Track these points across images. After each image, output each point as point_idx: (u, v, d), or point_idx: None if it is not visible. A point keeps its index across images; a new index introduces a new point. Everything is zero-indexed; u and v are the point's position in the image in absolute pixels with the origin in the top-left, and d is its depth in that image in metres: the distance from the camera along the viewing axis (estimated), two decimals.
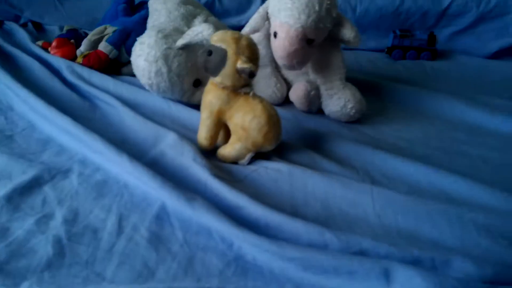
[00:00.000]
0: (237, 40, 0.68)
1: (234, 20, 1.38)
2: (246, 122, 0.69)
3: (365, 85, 1.02)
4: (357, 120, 0.90)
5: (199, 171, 0.64)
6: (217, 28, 0.83)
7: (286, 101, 0.95)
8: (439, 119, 0.94)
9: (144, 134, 0.75)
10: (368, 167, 0.73)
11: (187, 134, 0.76)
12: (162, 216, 0.59)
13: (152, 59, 0.82)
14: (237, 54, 0.67)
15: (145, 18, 1.03)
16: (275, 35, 0.83)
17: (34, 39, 1.15)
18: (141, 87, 0.89)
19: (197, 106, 0.77)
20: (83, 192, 0.63)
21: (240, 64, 0.67)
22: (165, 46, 0.82)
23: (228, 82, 0.68)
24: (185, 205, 0.57)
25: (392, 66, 1.25)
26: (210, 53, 0.69)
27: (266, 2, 0.87)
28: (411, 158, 0.75)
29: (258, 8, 0.89)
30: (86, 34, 1.11)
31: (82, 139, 0.71)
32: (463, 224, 0.60)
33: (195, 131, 0.75)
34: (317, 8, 0.78)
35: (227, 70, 0.67)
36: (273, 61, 0.93)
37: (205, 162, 0.66)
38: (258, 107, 0.69)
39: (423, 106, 0.98)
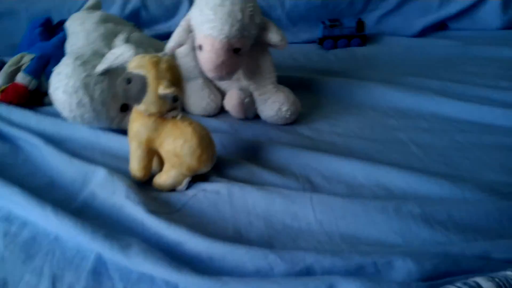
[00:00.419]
0: (156, 64, 0.65)
1: (163, 27, 1.33)
2: (178, 147, 0.66)
3: (299, 82, 1.03)
4: (294, 121, 0.91)
5: (134, 210, 0.61)
6: (140, 45, 0.79)
7: (222, 110, 0.93)
8: (371, 109, 0.96)
9: (72, 175, 0.71)
10: (307, 172, 0.74)
11: (119, 166, 0.72)
12: (99, 270, 0.54)
13: (71, 90, 0.76)
14: (158, 79, 0.64)
15: (64, 41, 0.97)
16: (200, 47, 0.81)
17: None
18: (66, 119, 0.84)
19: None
20: (10, 256, 0.57)
21: (162, 90, 0.64)
22: (84, 74, 0.77)
23: (153, 109, 0.66)
24: (120, 254, 0.54)
25: (324, 57, 1.26)
26: (129, 81, 0.65)
27: (188, 14, 0.84)
28: (347, 154, 0.77)
29: (186, 11, 0.86)
30: (4, 63, 1.02)
31: (2, 192, 0.65)
32: (401, 217, 0.62)
33: (127, 160, 0.71)
34: (239, 17, 0.77)
35: (149, 97, 0.64)
36: (203, 72, 0.91)
37: (139, 198, 0.63)
38: (188, 131, 0.67)
39: (355, 97, 0.99)
